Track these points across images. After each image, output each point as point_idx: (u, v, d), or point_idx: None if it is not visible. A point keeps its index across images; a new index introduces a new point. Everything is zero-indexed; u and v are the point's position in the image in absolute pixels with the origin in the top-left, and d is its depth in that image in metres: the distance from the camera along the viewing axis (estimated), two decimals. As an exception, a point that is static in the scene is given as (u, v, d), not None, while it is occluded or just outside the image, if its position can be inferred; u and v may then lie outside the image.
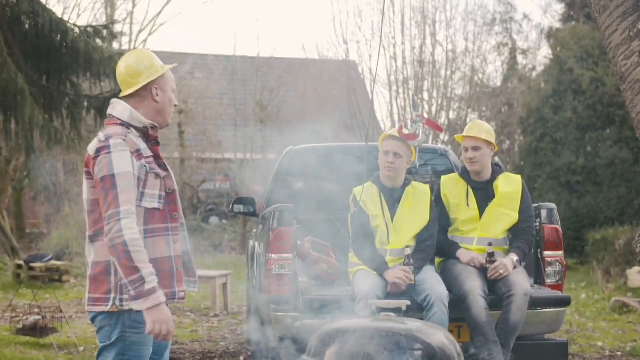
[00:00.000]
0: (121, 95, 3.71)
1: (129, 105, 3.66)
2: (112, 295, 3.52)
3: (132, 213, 3.42)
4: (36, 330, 9.08)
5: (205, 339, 9.43)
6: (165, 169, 3.69)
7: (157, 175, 3.60)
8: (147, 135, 3.66)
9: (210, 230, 22.80)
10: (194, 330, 10.10)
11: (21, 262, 15.40)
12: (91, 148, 3.54)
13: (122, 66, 3.72)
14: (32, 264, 15.04)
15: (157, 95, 3.68)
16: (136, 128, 3.64)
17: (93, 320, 3.62)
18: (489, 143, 5.78)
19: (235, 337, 9.61)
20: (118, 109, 3.66)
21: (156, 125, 3.67)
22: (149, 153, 3.62)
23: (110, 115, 3.68)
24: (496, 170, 5.90)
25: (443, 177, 6.04)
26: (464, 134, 5.85)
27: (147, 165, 3.56)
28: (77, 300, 12.54)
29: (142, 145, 3.60)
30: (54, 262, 15.43)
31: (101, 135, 3.55)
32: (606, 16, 3.21)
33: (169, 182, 3.67)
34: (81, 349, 8.47)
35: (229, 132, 24.74)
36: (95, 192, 3.53)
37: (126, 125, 3.63)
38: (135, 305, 3.40)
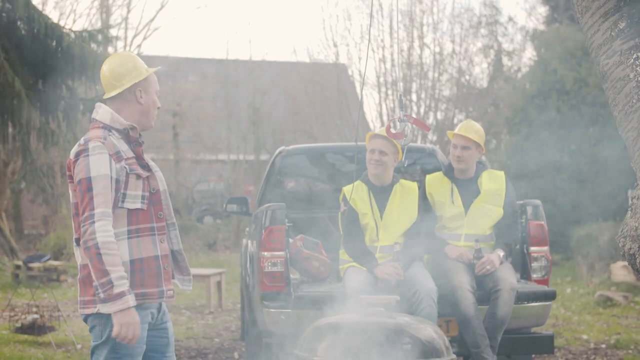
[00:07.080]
0: (105, 97, 3.63)
1: (112, 107, 3.59)
2: None
3: (106, 215, 3.35)
4: (34, 329, 9.03)
5: (200, 336, 9.41)
6: (148, 170, 3.59)
7: (139, 176, 3.51)
8: (129, 136, 3.58)
9: (204, 230, 22.73)
10: (189, 327, 10.07)
11: (20, 263, 15.37)
12: (72, 152, 3.49)
13: (105, 69, 3.64)
14: (31, 264, 15.02)
15: (141, 97, 3.61)
16: (117, 130, 3.56)
17: (85, 320, 3.59)
18: (477, 144, 5.77)
19: (230, 333, 9.59)
20: (100, 112, 3.59)
21: (135, 126, 3.59)
22: (130, 154, 3.53)
23: (93, 119, 3.61)
24: (479, 168, 5.90)
25: (428, 176, 6.04)
26: (455, 131, 5.85)
27: (127, 166, 3.47)
28: (75, 299, 12.44)
29: (124, 147, 3.52)
30: (51, 262, 15.44)
31: (82, 139, 3.50)
32: (588, 16, 3.20)
33: (152, 182, 3.58)
34: (78, 346, 8.44)
35: (223, 134, 24.67)
36: (76, 194, 3.47)
37: (107, 127, 3.54)
38: (103, 308, 3.36)
